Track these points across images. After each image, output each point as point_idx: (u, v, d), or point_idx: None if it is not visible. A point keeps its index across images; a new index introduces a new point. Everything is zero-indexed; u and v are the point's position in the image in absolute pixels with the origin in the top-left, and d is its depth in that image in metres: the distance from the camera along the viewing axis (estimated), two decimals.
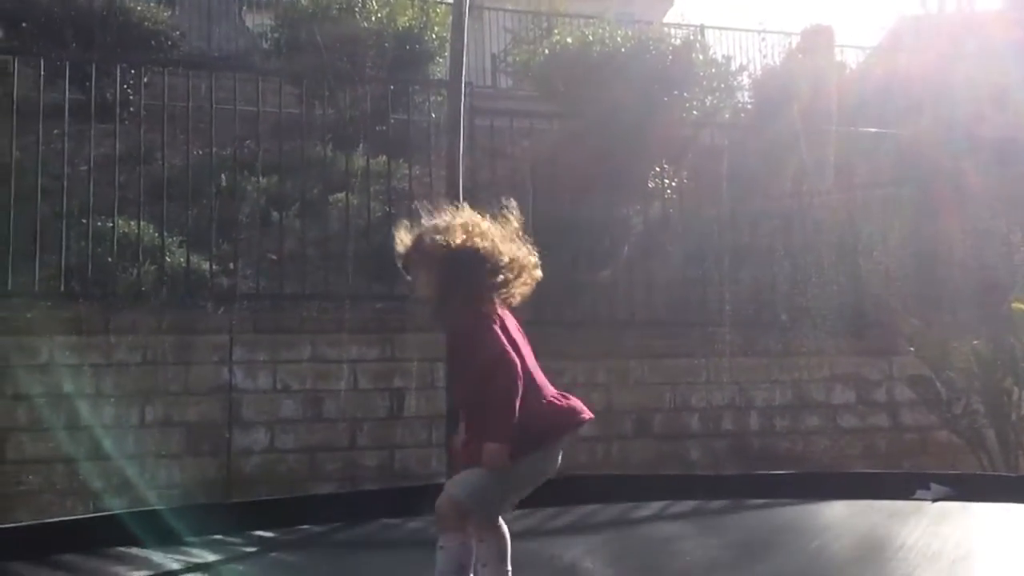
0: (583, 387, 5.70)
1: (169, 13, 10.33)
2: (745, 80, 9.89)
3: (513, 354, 2.13)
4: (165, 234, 5.64)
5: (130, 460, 4.80)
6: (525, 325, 6.02)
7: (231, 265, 5.81)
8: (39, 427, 4.73)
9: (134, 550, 2.60)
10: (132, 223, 5.69)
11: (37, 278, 5.16)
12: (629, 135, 6.94)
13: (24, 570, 2.39)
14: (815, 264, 6.55)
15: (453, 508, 2.13)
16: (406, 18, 8.65)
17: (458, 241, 2.20)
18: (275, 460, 5.13)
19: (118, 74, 6.51)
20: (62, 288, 5.26)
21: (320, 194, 6.25)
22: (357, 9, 8.44)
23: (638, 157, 7.09)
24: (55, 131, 5.62)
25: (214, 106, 5.72)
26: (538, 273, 2.28)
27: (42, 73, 5.50)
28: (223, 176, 6.25)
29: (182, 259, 5.63)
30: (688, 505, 3.78)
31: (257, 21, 12.15)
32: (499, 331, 2.17)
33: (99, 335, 4.93)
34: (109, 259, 5.45)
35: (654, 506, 3.73)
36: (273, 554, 2.81)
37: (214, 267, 5.67)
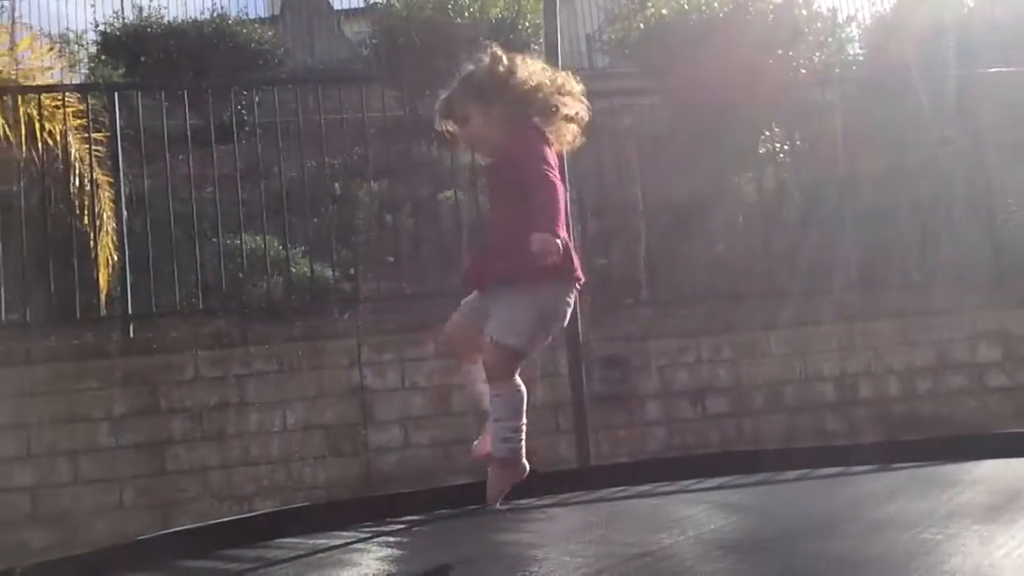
0: (708, 363, 5.63)
1: (272, 32, 10.74)
2: (855, 31, 9.46)
3: (556, 177, 2.15)
4: (289, 245, 5.88)
5: (277, 464, 5.05)
6: (643, 305, 5.98)
7: (352, 270, 6.01)
8: (192, 438, 5.03)
9: (292, 540, 2.72)
10: (257, 238, 5.96)
11: (178, 298, 5.49)
12: (734, 102, 6.77)
13: (194, 565, 2.54)
14: (946, 217, 6.23)
15: (504, 356, 2.13)
16: (498, 9, 8.70)
17: (500, 60, 2.25)
18: (411, 456, 5.28)
19: (232, 97, 6.81)
20: (200, 305, 5.59)
21: (429, 193, 6.38)
22: (450, 6, 8.54)
23: (745, 124, 6.91)
24: (180, 156, 5.94)
25: (322, 117, 5.91)
26: (583, 110, 2.27)
27: (163, 103, 5.81)
28: (337, 185, 6.46)
29: (306, 268, 5.85)
30: (828, 471, 3.64)
31: (355, 29, 12.46)
32: (550, 150, 2.19)
33: (238, 347, 5.19)
34: (240, 274, 5.73)
35: (794, 473, 3.62)
36: (416, 529, 2.88)
37: (336, 274, 5.88)
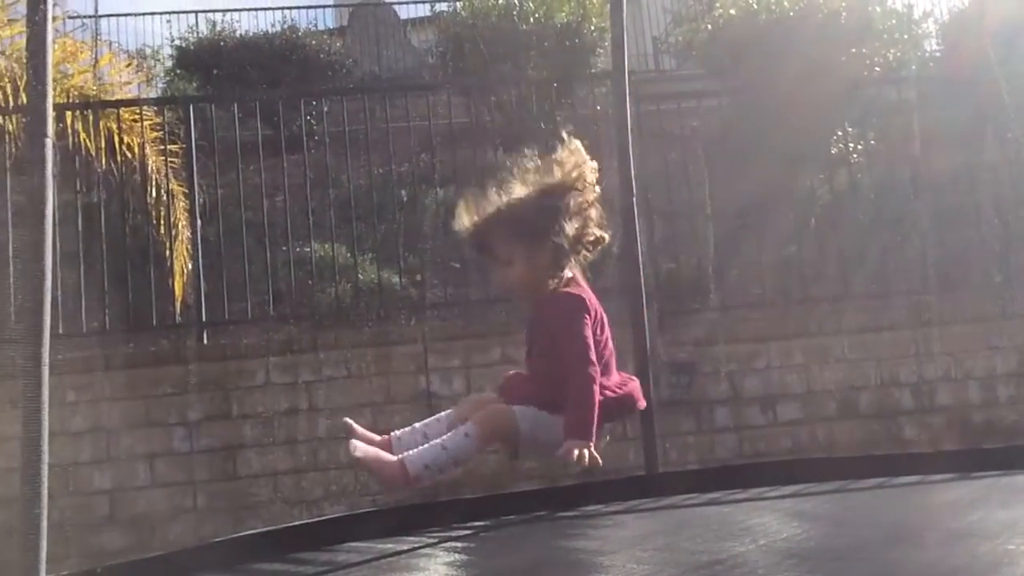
0: (779, 369, 5.51)
1: (341, 43, 10.93)
2: (931, 27, 9.19)
3: (595, 358, 2.04)
4: (357, 252, 5.96)
5: (345, 469, 5.11)
6: (711, 310, 5.88)
7: (418, 277, 6.06)
8: (263, 443, 5.13)
9: (360, 544, 2.74)
10: (326, 245, 6.06)
11: (250, 305, 5.60)
12: (805, 102, 6.63)
13: (265, 568, 2.58)
14: None
15: (506, 425, 2.05)
16: (564, 14, 8.69)
17: (556, 180, 2.07)
18: (477, 461, 5.25)
19: (302, 107, 6.95)
20: (271, 312, 5.70)
21: None
22: (515, 12, 8.57)
23: (817, 124, 6.76)
24: (252, 167, 6.07)
25: (389, 125, 5.98)
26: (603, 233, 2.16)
27: (236, 115, 5.96)
28: (403, 192, 6.53)
29: (374, 275, 5.92)
30: (906, 479, 3.52)
31: (422, 38, 12.60)
32: (589, 324, 2.06)
33: (308, 353, 5.27)
34: (310, 281, 5.82)
35: (871, 481, 3.50)
36: (482, 534, 2.88)
37: (403, 280, 5.94)
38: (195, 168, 5.72)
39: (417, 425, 2.20)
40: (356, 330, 5.52)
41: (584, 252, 2.18)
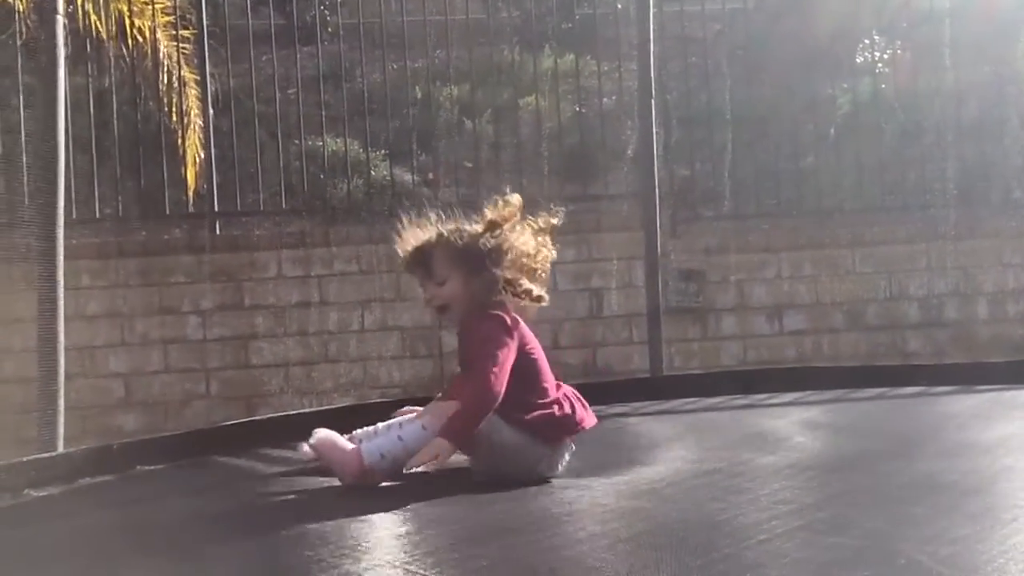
0: (788, 279, 5.52)
1: None
2: None
3: (501, 380, 2.00)
4: (370, 149, 5.90)
5: (355, 362, 5.20)
6: (722, 220, 5.85)
7: (431, 175, 6.02)
8: (275, 334, 5.21)
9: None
10: (339, 140, 6.00)
11: (262, 198, 5.59)
12: (832, 8, 6.43)
13: (275, 454, 2.64)
14: None
15: (471, 425, 1.98)
16: None
17: (493, 233, 2.14)
18: None
19: None
20: (283, 205, 5.70)
21: (510, 99, 6.28)
22: None
23: (843, 31, 6.57)
24: (264, 57, 5.96)
25: (405, 18, 5.84)
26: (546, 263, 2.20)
27: (248, 2, 5.82)
28: (417, 89, 6.42)
29: (386, 172, 5.88)
30: (909, 391, 3.54)
31: None
32: (508, 345, 2.05)
33: (320, 247, 5.30)
34: (321, 176, 5.79)
35: (869, 392, 3.53)
36: None
37: (416, 178, 5.90)
38: (207, 55, 5.62)
39: (380, 425, 2.20)
40: (368, 226, 5.52)
41: (515, 296, 2.17)
